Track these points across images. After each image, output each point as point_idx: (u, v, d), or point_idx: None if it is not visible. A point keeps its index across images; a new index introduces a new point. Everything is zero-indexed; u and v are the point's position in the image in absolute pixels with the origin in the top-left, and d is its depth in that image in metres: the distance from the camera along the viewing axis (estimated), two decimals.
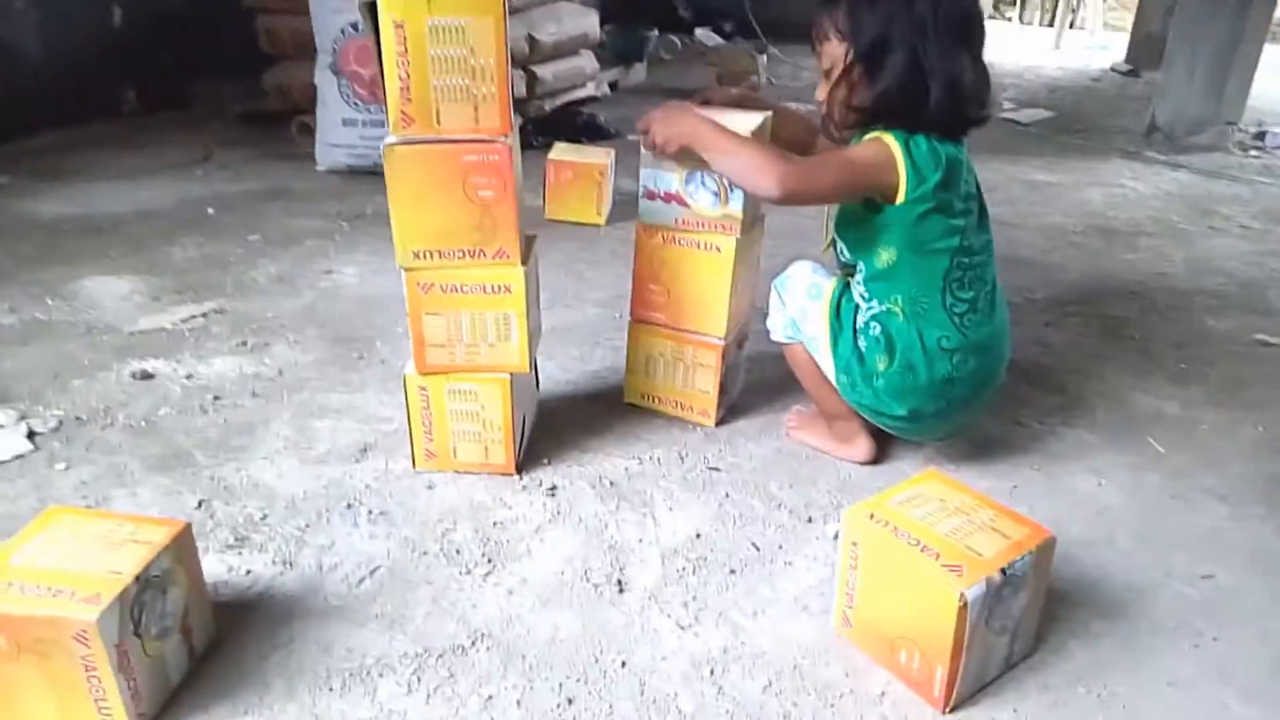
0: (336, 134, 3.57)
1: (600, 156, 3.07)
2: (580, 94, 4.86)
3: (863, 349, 1.66)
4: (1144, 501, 1.72)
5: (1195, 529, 1.64)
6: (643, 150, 1.72)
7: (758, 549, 1.57)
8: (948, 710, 1.24)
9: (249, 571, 1.48)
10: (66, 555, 1.20)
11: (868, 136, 1.59)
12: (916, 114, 1.55)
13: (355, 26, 3.40)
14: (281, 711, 1.22)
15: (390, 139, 1.51)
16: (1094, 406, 2.04)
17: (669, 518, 1.64)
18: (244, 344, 2.21)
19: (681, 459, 1.81)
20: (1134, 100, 5.24)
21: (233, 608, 1.40)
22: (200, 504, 1.63)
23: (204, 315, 2.35)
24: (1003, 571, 1.21)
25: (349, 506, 1.64)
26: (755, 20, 6.57)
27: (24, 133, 3.77)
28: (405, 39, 1.44)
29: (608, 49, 5.53)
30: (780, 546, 1.57)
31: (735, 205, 1.70)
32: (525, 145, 3.91)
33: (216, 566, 1.49)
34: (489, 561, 1.51)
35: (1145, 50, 5.94)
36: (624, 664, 1.32)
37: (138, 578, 1.17)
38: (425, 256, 1.58)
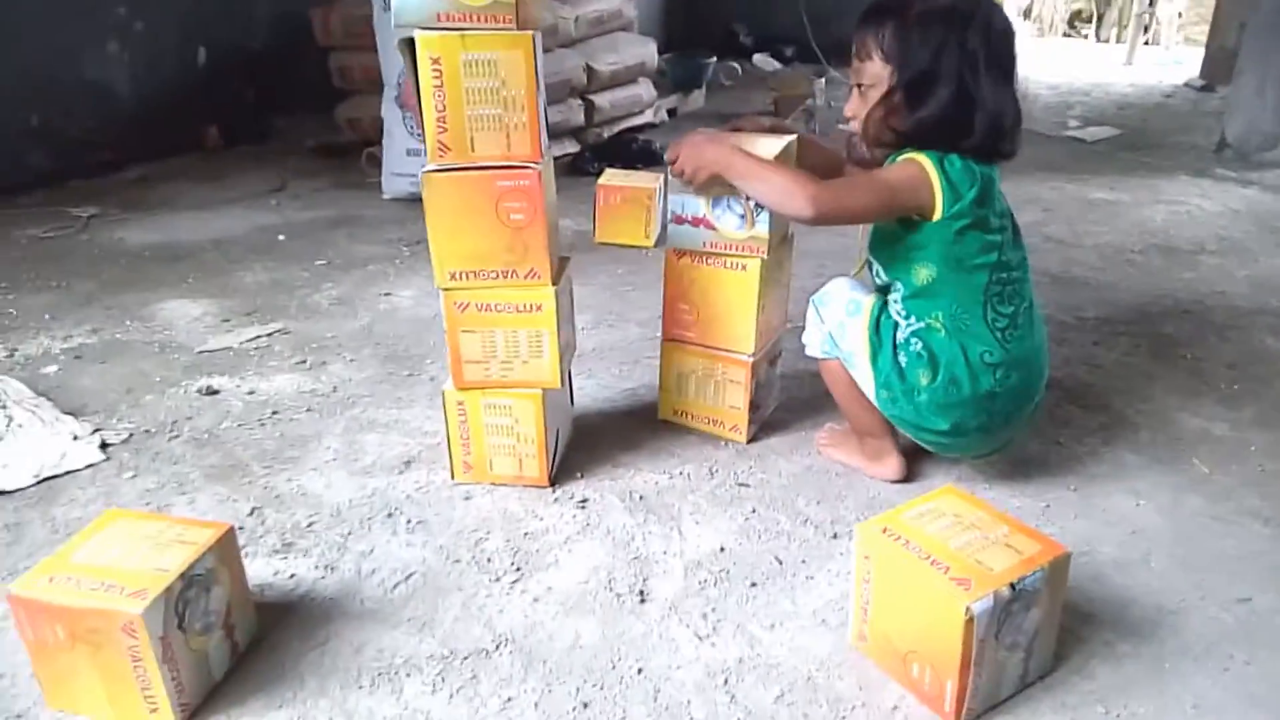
0: (401, 164, 3.73)
1: (649, 181, 3.14)
2: (638, 121, 4.96)
3: (903, 364, 1.67)
4: (1182, 522, 1.68)
5: (1234, 551, 1.60)
6: (670, 177, 1.78)
7: (780, 563, 1.59)
8: None
9: (293, 575, 1.57)
10: (120, 554, 1.29)
11: (901, 158, 1.62)
12: (955, 142, 1.58)
13: None
14: (314, 707, 1.29)
15: (428, 167, 1.60)
16: (1138, 427, 2.00)
17: (695, 531, 1.67)
18: (303, 362, 2.33)
19: (711, 474, 1.84)
20: (1206, 116, 5.09)
21: (276, 608, 1.49)
22: (253, 511, 1.74)
23: (268, 335, 2.48)
24: (1012, 586, 1.21)
25: (389, 515, 1.72)
26: (816, 44, 6.60)
27: (115, 167, 4.04)
28: (441, 73, 1.53)
29: (667, 77, 5.64)
30: (803, 561, 1.59)
31: (761, 228, 1.74)
32: (581, 172, 4.04)
33: (263, 569, 1.58)
34: (517, 570, 1.57)
35: (1220, 65, 5.77)
36: (640, 671, 1.35)
37: (182, 575, 1.26)
38: (461, 277, 1.66)
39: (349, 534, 1.66)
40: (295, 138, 4.52)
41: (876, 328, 1.71)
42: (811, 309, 1.84)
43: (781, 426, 2.01)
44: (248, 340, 2.45)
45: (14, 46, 3.66)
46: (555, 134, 4.43)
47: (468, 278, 1.65)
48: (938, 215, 1.57)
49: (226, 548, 1.36)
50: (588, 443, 1.94)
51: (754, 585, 1.53)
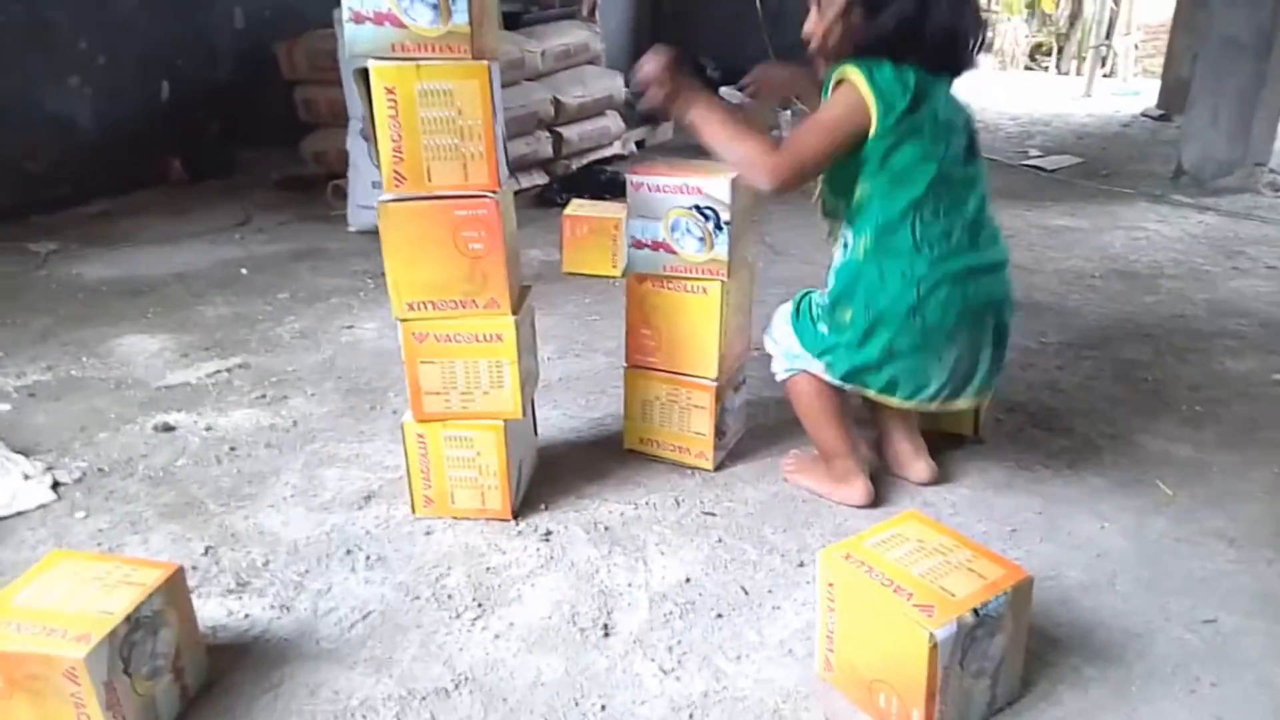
0: (366, 196, 3.70)
1: (615, 211, 3.15)
2: (607, 152, 4.99)
3: (817, 317, 1.73)
4: (1147, 545, 1.68)
5: (1199, 573, 1.60)
6: (630, 203, 1.78)
7: (746, 593, 1.57)
8: None
9: (247, 615, 1.52)
10: (64, 596, 1.25)
11: (835, 76, 1.63)
12: (907, 53, 1.58)
13: None
14: None
15: (384, 196, 1.59)
16: (1101, 450, 2.01)
17: (660, 562, 1.65)
18: (263, 397, 2.29)
19: (677, 504, 1.83)
20: (1164, 145, 5.20)
21: (229, 650, 1.44)
22: (207, 550, 1.69)
23: (228, 370, 2.44)
24: (975, 612, 1.20)
25: (348, 552, 1.68)
26: None
27: (77, 201, 3.98)
28: (396, 103, 1.52)
29: (635, 110, 5.67)
30: (770, 590, 1.57)
31: (721, 250, 1.75)
32: (550, 203, 4.04)
33: (217, 610, 1.53)
34: (479, 606, 1.54)
35: (1176, 95, 5.91)
36: (604, 708, 1.32)
37: (128, 618, 1.22)
38: (420, 308, 1.64)
39: (306, 572, 1.62)
40: (260, 171, 4.49)
41: (797, 309, 1.78)
42: (765, 338, 1.85)
43: (748, 453, 2.00)
44: (207, 375, 2.40)
45: None
46: (523, 166, 4.44)
47: (426, 308, 1.63)
48: (874, 129, 1.57)
49: (175, 588, 1.32)
50: (552, 474, 1.92)
51: (720, 616, 1.51)
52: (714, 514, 1.79)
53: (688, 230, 1.75)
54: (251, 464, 1.98)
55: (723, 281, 1.77)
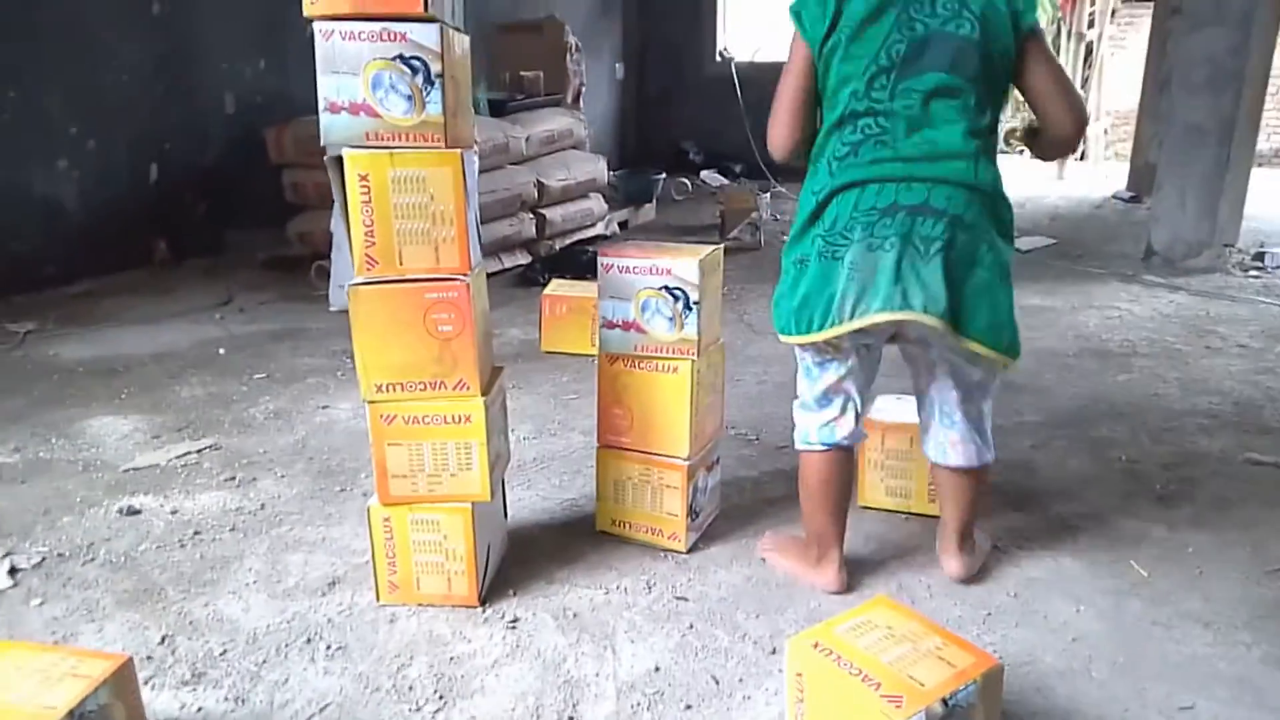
0: (349, 276, 3.70)
1: (593, 291, 3.17)
2: (590, 233, 5.07)
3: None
4: (1123, 628, 1.66)
5: (1176, 657, 1.58)
6: (601, 283, 1.80)
7: (717, 682, 1.53)
8: None
9: (200, 709, 1.47)
10: (5, 688, 1.21)
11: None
12: None
13: None
14: None
15: (355, 280, 1.60)
16: (1076, 530, 2.00)
17: (629, 650, 1.61)
18: (232, 479, 2.26)
19: (649, 588, 1.79)
20: (1134, 226, 5.32)
21: None
22: (164, 639, 1.64)
23: (199, 452, 2.42)
24: (944, 702, 1.17)
25: (308, 641, 1.63)
26: (762, 162, 6.85)
27: (61, 281, 4.00)
28: (370, 189, 1.54)
29: (619, 191, 5.79)
30: (740, 680, 1.54)
31: (690, 329, 1.76)
32: (532, 282, 4.09)
33: (169, 703, 1.48)
34: (440, 698, 1.49)
35: (1145, 178, 6.07)
36: None
37: (71, 712, 1.18)
38: (389, 389, 1.63)
39: (264, 662, 1.58)
40: (246, 252, 4.53)
41: None
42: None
43: (722, 535, 1.98)
44: (177, 457, 2.38)
45: None
46: (507, 246, 4.50)
47: (395, 389, 1.63)
48: (810, 46, 1.61)
49: (123, 681, 1.28)
50: (522, 557, 1.89)
51: (689, 708, 1.47)
52: (686, 599, 1.76)
53: (658, 310, 1.77)
54: (215, 548, 1.94)
55: (693, 360, 1.78)
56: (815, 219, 1.62)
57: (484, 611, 1.71)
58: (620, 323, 1.81)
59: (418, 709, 1.46)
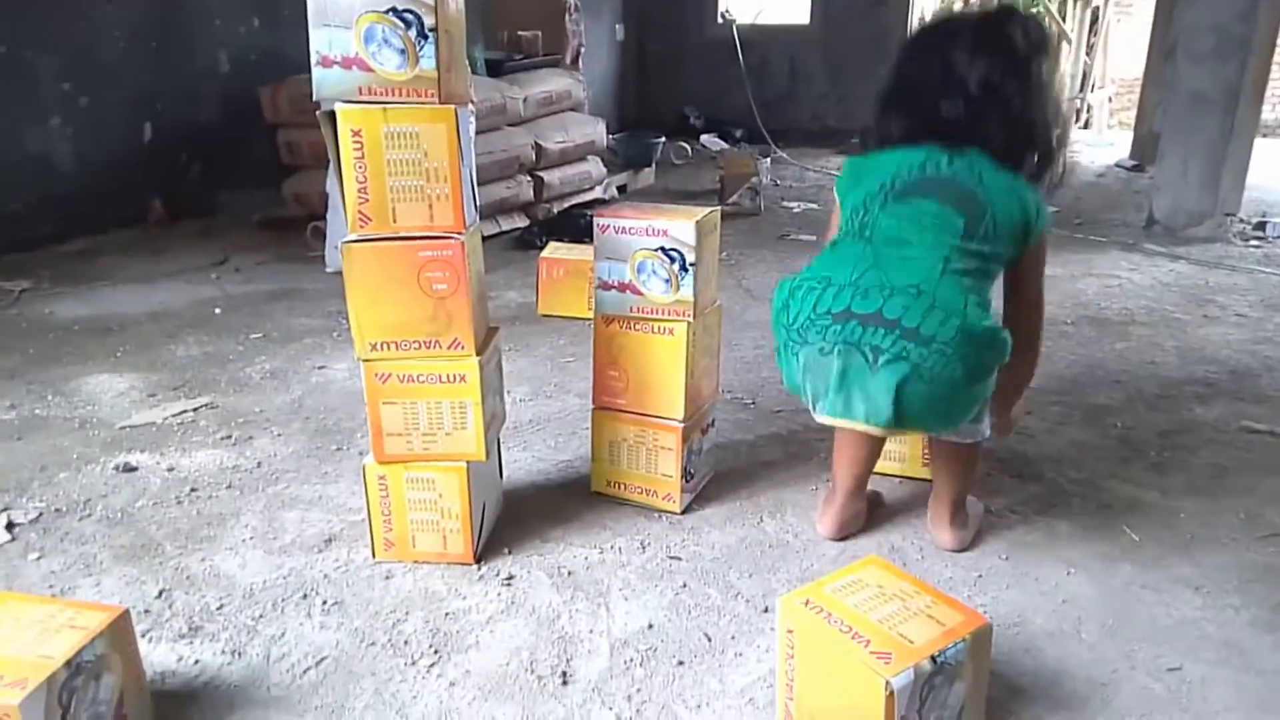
0: (344, 236, 3.71)
1: (590, 254, 3.15)
2: (588, 196, 5.03)
3: None
4: (1113, 591, 1.67)
5: (1165, 620, 1.59)
6: (596, 245, 1.79)
7: (709, 639, 1.54)
8: None
9: (197, 661, 1.49)
10: (3, 640, 1.22)
11: None
12: (891, 129, 1.74)
13: None
14: None
15: (349, 237, 1.59)
16: (1069, 495, 2.01)
17: (623, 608, 1.62)
18: (228, 437, 2.26)
19: (643, 548, 1.80)
20: (1136, 195, 5.29)
21: (176, 697, 1.41)
22: (161, 593, 1.65)
23: (194, 410, 2.42)
24: (933, 659, 1.18)
25: (304, 597, 1.64)
26: (764, 126, 6.80)
27: (55, 240, 3.97)
28: (363, 145, 1.53)
29: (618, 155, 5.74)
30: (733, 637, 1.55)
31: (686, 291, 1.76)
32: (529, 245, 4.06)
33: (167, 656, 1.50)
34: (435, 653, 1.50)
35: (1148, 147, 6.02)
36: None
37: (68, 662, 1.19)
38: (383, 348, 1.63)
39: (260, 617, 1.59)
40: (241, 212, 4.50)
41: None
42: None
43: (716, 497, 1.99)
44: (173, 415, 2.38)
45: None
46: (504, 209, 4.47)
47: (389, 348, 1.63)
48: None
49: (120, 632, 1.29)
50: (518, 517, 1.90)
51: (681, 664, 1.48)
52: (679, 558, 1.77)
53: (653, 272, 1.76)
54: (212, 505, 1.95)
55: (689, 323, 1.78)
56: (784, 308, 1.64)
57: (479, 569, 1.72)
58: (616, 284, 1.80)
59: (413, 663, 1.48)
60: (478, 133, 3.89)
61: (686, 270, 1.74)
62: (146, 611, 1.60)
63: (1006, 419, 1.86)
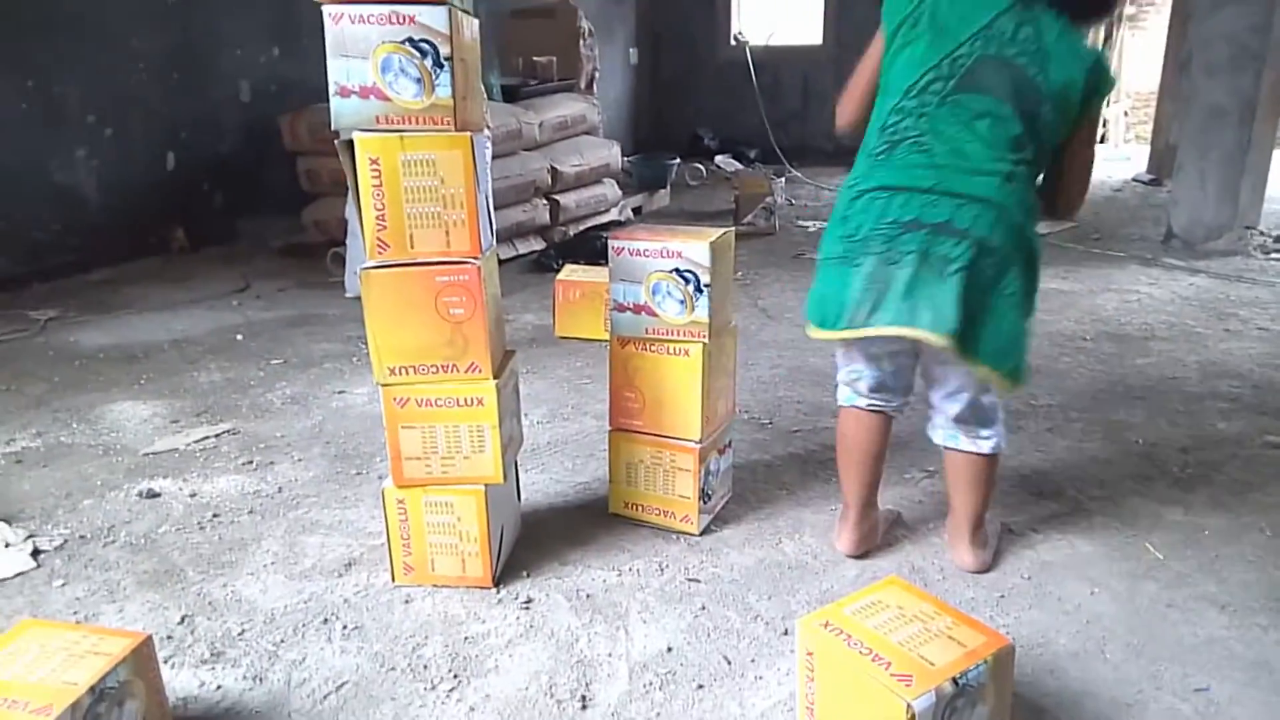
0: (364, 262, 3.75)
1: (607, 276, 3.17)
2: (604, 219, 5.06)
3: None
4: (1138, 610, 1.65)
5: (1191, 639, 1.57)
6: (611, 267, 1.81)
7: (729, 662, 1.54)
8: None
9: (219, 686, 1.49)
10: (29, 666, 1.23)
11: None
12: None
13: None
14: None
15: (367, 264, 1.61)
16: (1091, 513, 1.99)
17: (642, 631, 1.62)
18: (250, 463, 2.28)
19: (661, 570, 1.80)
20: (1154, 209, 5.26)
21: None
22: (183, 619, 1.67)
23: (217, 436, 2.44)
24: (954, 681, 1.17)
25: (325, 621, 1.65)
26: (778, 146, 6.83)
27: (80, 269, 4.04)
28: (380, 173, 1.55)
29: (634, 177, 5.78)
30: (753, 660, 1.54)
31: (701, 312, 1.76)
32: (546, 268, 4.09)
33: (189, 681, 1.51)
34: (455, 677, 1.51)
35: (1165, 160, 6.00)
36: None
37: (92, 688, 1.20)
38: (401, 372, 1.64)
39: (281, 642, 1.60)
40: (262, 239, 4.56)
41: None
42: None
43: (734, 518, 1.98)
44: (195, 441, 2.40)
45: None
46: (521, 232, 4.50)
47: (408, 373, 1.64)
48: (886, 34, 1.63)
49: (143, 659, 1.30)
50: (536, 539, 1.90)
51: (701, 687, 1.48)
52: (698, 580, 1.77)
53: (668, 293, 1.77)
54: (234, 531, 1.97)
55: (704, 343, 1.78)
56: (843, 220, 1.64)
57: (498, 592, 1.72)
58: (631, 305, 1.81)
59: (433, 687, 1.48)
60: (494, 157, 3.92)
61: (701, 291, 1.75)
62: (169, 637, 1.61)
63: None
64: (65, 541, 1.93)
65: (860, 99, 1.70)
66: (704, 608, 1.68)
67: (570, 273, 3.29)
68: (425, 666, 1.53)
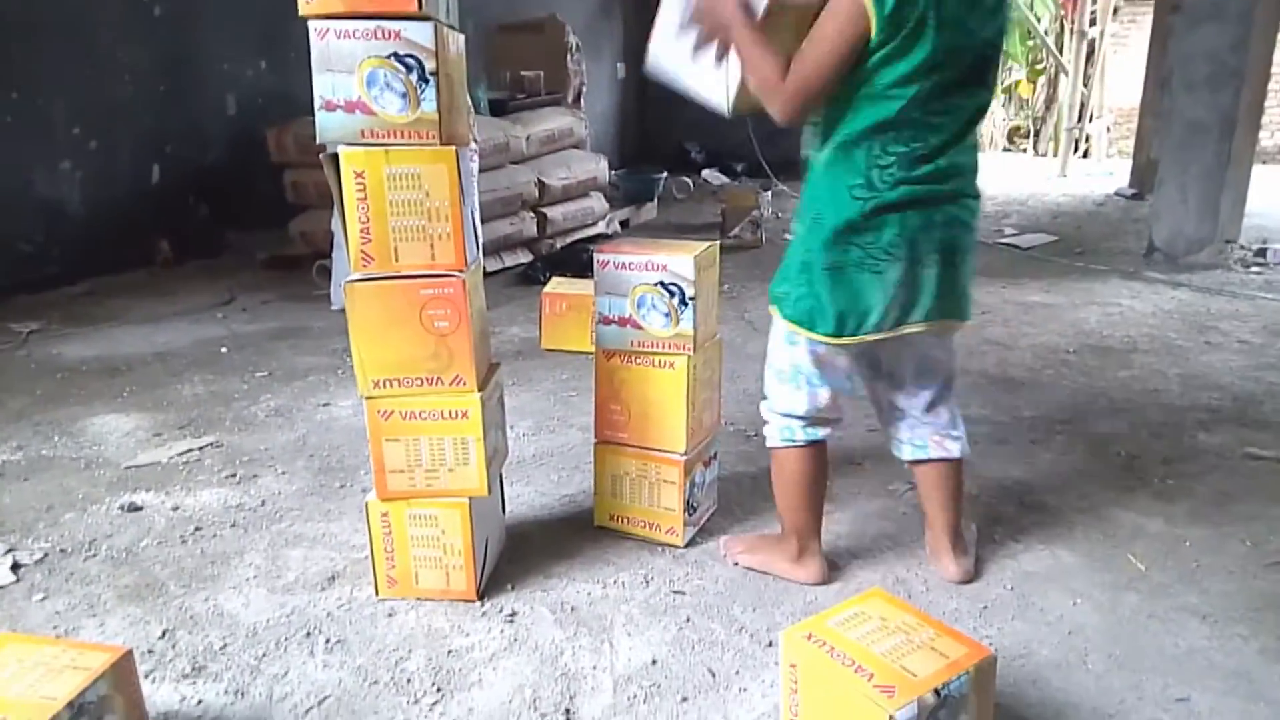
0: (349, 275, 3.74)
1: (592, 289, 3.18)
2: (591, 231, 5.07)
3: (786, 252, 1.68)
4: (1120, 621, 1.66)
5: (1172, 650, 1.58)
6: (597, 280, 1.81)
7: (714, 675, 1.54)
8: None
9: (200, 701, 1.48)
10: (7, 681, 1.22)
11: None
12: None
13: None
14: None
15: (351, 277, 1.61)
16: (1074, 524, 2.00)
17: (626, 643, 1.62)
18: (233, 476, 2.27)
19: (646, 582, 1.80)
20: (1136, 223, 5.31)
21: None
22: (164, 633, 1.66)
23: (200, 449, 2.43)
24: (936, 692, 1.18)
25: (308, 635, 1.64)
26: (764, 160, 6.86)
27: (64, 281, 4.01)
28: (365, 186, 1.56)
29: (620, 190, 5.80)
30: (737, 672, 1.54)
31: (686, 324, 1.77)
32: (533, 281, 4.09)
33: (170, 696, 1.50)
34: (438, 691, 1.50)
35: (1147, 175, 6.06)
36: None
37: (70, 703, 1.19)
38: (385, 385, 1.64)
39: (263, 656, 1.59)
40: (248, 252, 4.54)
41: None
42: (763, 405, 1.79)
43: (719, 531, 1.98)
44: (178, 454, 2.39)
45: None
46: (508, 245, 4.51)
47: (392, 385, 1.64)
48: (874, 34, 1.46)
49: (122, 673, 1.29)
50: (520, 552, 1.90)
51: (685, 700, 1.48)
52: (683, 592, 1.77)
53: (653, 306, 1.78)
54: (216, 544, 1.95)
55: (689, 356, 1.79)
56: (856, 230, 1.56)
57: (482, 606, 1.72)
58: (617, 319, 1.82)
59: (416, 701, 1.47)
60: (482, 170, 3.93)
61: (686, 304, 1.76)
62: (150, 651, 1.60)
63: None
64: (46, 555, 1.91)
65: (820, 89, 1.52)
66: (689, 620, 1.68)
67: (557, 285, 3.30)
68: (408, 680, 1.52)
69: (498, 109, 4.86)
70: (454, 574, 1.71)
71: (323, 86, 1.52)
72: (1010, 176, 7.17)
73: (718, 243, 1.85)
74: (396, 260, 1.59)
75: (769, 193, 5.85)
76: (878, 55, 1.48)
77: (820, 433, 1.73)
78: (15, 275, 3.86)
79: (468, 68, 1.75)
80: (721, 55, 1.63)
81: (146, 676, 1.52)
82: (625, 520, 1.94)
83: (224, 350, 3.25)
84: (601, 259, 1.83)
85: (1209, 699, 1.46)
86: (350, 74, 1.51)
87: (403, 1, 1.48)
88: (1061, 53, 8.19)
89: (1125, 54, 8.41)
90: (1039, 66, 9.08)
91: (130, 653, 1.31)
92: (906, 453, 1.78)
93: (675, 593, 1.77)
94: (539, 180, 4.63)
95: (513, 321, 3.58)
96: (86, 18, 4.04)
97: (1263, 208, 5.21)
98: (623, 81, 7.98)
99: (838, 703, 1.22)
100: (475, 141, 3.84)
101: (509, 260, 4.49)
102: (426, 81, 1.51)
